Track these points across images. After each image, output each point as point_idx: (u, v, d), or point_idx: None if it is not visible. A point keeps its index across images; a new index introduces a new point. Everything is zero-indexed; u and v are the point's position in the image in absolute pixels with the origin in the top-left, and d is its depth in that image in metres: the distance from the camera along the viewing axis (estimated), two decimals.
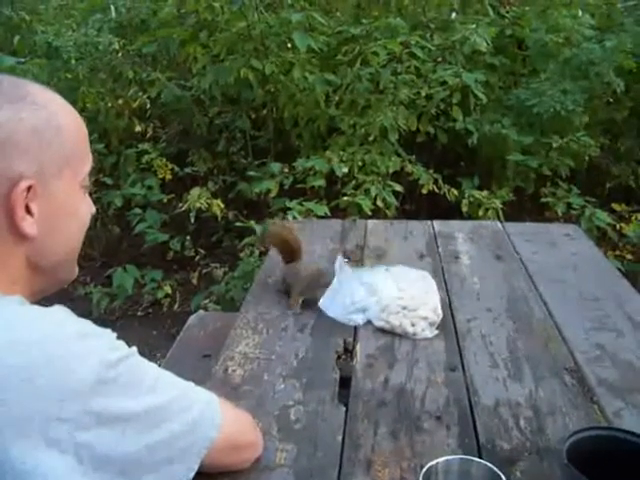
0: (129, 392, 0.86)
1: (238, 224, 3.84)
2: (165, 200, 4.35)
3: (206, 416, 0.98)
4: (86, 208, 0.99)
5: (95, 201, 1.05)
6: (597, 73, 4.13)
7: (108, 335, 0.88)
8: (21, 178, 0.86)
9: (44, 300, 0.94)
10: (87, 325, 0.88)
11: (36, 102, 0.90)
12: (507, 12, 4.54)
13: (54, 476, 0.78)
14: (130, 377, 0.87)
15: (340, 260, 1.92)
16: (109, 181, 4.27)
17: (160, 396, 0.91)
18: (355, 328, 1.67)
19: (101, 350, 0.85)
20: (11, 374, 0.77)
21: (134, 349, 0.90)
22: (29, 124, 0.88)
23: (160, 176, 4.30)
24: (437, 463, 1.01)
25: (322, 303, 1.73)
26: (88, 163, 0.98)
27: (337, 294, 1.75)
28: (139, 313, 4.26)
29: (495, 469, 0.99)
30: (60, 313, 0.87)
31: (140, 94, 4.43)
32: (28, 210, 0.87)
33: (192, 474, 0.94)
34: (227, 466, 1.08)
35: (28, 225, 0.88)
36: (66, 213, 0.94)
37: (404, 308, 1.64)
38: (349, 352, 1.57)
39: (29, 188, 0.86)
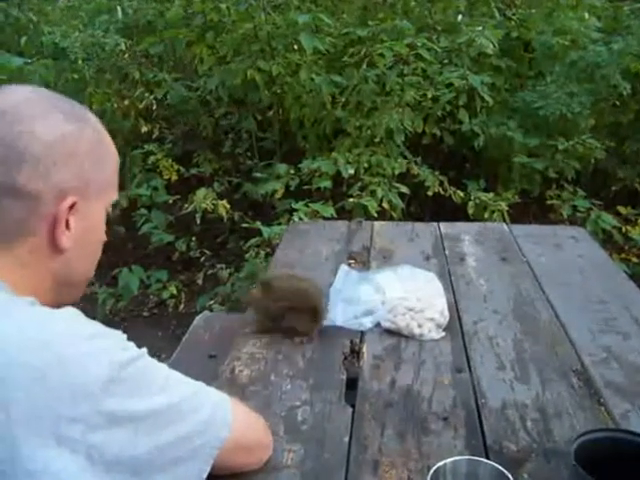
0: (140, 392, 0.86)
1: (244, 225, 3.85)
2: (171, 201, 4.36)
3: (217, 416, 0.98)
4: (104, 230, 1.02)
5: None
6: (603, 76, 4.13)
7: (118, 336, 0.89)
8: (69, 193, 0.89)
9: None
10: (98, 326, 0.88)
11: (92, 125, 0.95)
12: (513, 14, 4.54)
13: (65, 476, 0.78)
14: (141, 377, 0.87)
15: (344, 268, 1.93)
16: None
17: (171, 396, 0.91)
18: (362, 330, 1.67)
19: (112, 350, 0.85)
20: (23, 373, 0.78)
21: (144, 350, 0.90)
22: (88, 144, 0.92)
23: (166, 177, 4.30)
24: (445, 464, 1.01)
25: (327, 319, 1.69)
26: (117, 192, 1.02)
27: (338, 302, 1.75)
28: (144, 314, 4.26)
29: (503, 470, 0.99)
30: (71, 314, 0.87)
31: (146, 95, 4.44)
32: (67, 225, 0.90)
33: (205, 474, 0.94)
34: (238, 466, 1.08)
35: (66, 239, 0.90)
36: (95, 234, 0.98)
37: (411, 309, 1.64)
38: (356, 353, 1.56)
39: (73, 204, 0.89)
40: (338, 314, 1.69)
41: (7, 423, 0.76)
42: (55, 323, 0.84)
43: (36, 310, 0.86)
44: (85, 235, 0.94)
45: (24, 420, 0.76)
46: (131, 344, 0.89)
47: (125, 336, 0.90)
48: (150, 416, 0.87)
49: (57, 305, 0.96)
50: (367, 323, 1.67)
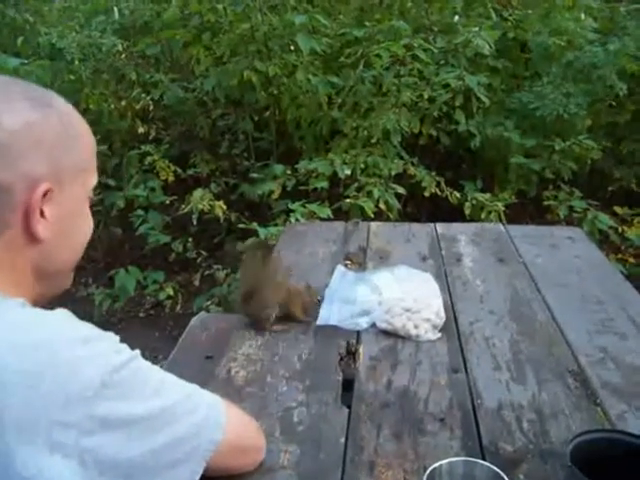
0: (133, 396, 0.86)
1: (240, 226, 3.84)
2: (167, 202, 4.36)
3: (211, 419, 0.97)
4: (89, 220, 1.00)
5: (98, 202, 1.05)
6: (600, 76, 4.14)
7: (111, 338, 0.88)
8: (41, 181, 0.87)
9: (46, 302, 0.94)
10: (90, 329, 0.87)
11: (61, 110, 0.93)
12: (510, 15, 4.55)
13: None
14: (134, 381, 0.87)
15: (340, 268, 1.93)
16: (112, 182, 4.25)
17: (165, 399, 0.90)
18: (358, 330, 1.66)
19: (105, 354, 0.84)
20: (16, 380, 0.77)
21: (137, 352, 0.90)
22: (56, 129, 0.90)
23: (162, 178, 4.29)
24: (441, 465, 1.01)
25: (319, 321, 1.70)
26: (95, 176, 1.00)
27: (334, 302, 1.75)
28: (141, 314, 4.26)
29: (499, 471, 0.99)
30: (63, 317, 0.87)
31: (143, 96, 4.43)
32: (41, 213, 0.88)
33: (197, 477, 0.94)
34: (231, 469, 1.08)
35: (42, 228, 0.88)
36: (74, 220, 0.95)
37: (407, 310, 1.64)
38: (352, 354, 1.56)
39: (46, 192, 0.87)
40: (334, 313, 1.70)
41: (0, 429, 0.76)
42: (48, 326, 0.84)
43: (28, 312, 0.85)
44: (63, 223, 0.92)
45: (17, 426, 0.76)
46: (124, 346, 0.89)
47: (118, 338, 0.89)
48: (144, 419, 0.86)
49: (44, 298, 0.95)
50: (363, 323, 1.67)
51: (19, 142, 0.85)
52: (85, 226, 0.99)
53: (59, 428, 0.77)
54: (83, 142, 0.95)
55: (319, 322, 1.69)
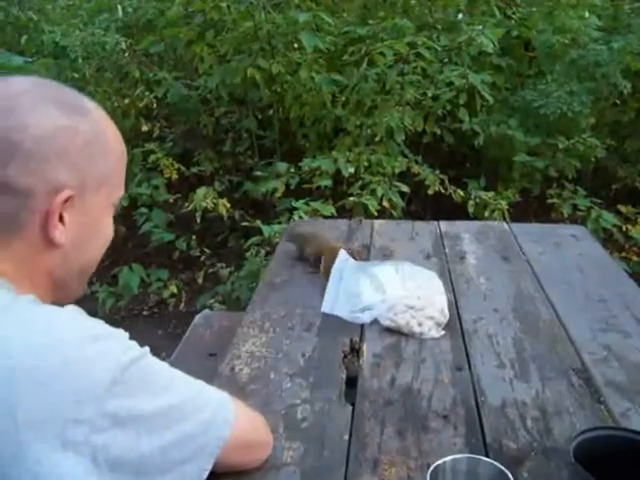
0: (143, 393, 0.86)
1: (244, 224, 3.85)
2: (171, 200, 4.36)
3: (219, 416, 0.98)
4: (110, 228, 1.01)
5: None
6: (604, 74, 4.13)
7: (121, 336, 0.88)
8: (63, 188, 0.87)
9: None
10: (101, 326, 0.88)
11: (93, 118, 0.93)
12: (513, 13, 4.54)
13: (70, 478, 0.78)
14: (144, 378, 0.87)
15: (343, 254, 1.94)
16: None
17: (174, 396, 0.91)
18: (362, 328, 1.67)
19: (115, 352, 0.85)
20: (28, 378, 0.77)
21: (147, 349, 0.90)
22: (84, 138, 0.90)
23: (166, 176, 4.30)
24: (444, 462, 1.01)
25: (324, 307, 1.74)
26: (122, 187, 1.01)
27: (340, 292, 1.77)
28: (145, 312, 4.26)
29: (502, 468, 0.98)
30: (74, 314, 0.87)
31: (147, 94, 4.44)
32: (60, 219, 0.89)
33: (206, 474, 0.94)
34: (239, 465, 1.08)
35: (59, 233, 0.89)
36: (94, 229, 0.96)
37: (411, 308, 1.64)
38: (356, 351, 1.56)
39: (68, 199, 0.88)
40: (338, 305, 1.72)
41: (14, 427, 0.76)
42: (59, 324, 0.84)
43: (39, 310, 0.86)
44: (83, 231, 0.93)
45: (30, 424, 0.76)
46: (133, 343, 0.89)
47: (127, 335, 0.89)
48: (153, 416, 0.87)
49: (64, 301, 0.94)
50: (365, 317, 1.67)
51: (44, 148, 0.86)
52: (105, 234, 1.00)
53: (72, 425, 0.78)
54: (112, 153, 0.96)
55: (323, 309, 1.72)
